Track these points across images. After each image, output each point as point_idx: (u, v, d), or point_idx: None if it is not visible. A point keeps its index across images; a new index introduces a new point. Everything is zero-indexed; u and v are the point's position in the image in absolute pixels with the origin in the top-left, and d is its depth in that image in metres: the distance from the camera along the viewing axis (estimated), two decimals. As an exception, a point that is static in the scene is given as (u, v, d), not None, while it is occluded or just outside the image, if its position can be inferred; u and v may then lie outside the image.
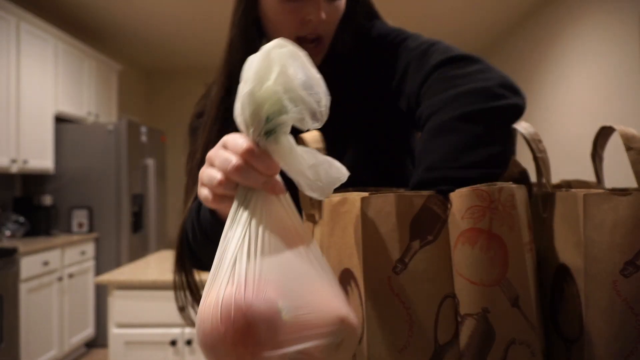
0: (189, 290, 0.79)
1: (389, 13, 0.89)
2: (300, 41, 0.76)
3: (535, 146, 0.57)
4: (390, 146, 0.85)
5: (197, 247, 0.74)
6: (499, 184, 0.51)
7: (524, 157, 0.67)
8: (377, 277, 0.50)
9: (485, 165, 0.57)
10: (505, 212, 0.50)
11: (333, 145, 0.61)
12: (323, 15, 0.73)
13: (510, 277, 0.50)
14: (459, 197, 0.51)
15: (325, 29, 0.77)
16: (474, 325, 0.50)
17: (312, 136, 0.56)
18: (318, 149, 0.53)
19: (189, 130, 0.88)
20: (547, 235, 0.56)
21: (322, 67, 0.62)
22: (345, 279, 0.54)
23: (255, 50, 0.46)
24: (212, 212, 0.65)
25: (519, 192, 0.51)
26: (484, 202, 0.50)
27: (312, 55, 0.68)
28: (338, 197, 0.54)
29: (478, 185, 0.51)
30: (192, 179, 0.79)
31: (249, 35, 0.78)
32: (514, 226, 0.50)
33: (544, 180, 0.57)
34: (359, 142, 0.82)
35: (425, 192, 0.52)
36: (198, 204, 0.72)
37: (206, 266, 0.76)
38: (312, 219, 0.59)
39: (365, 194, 0.52)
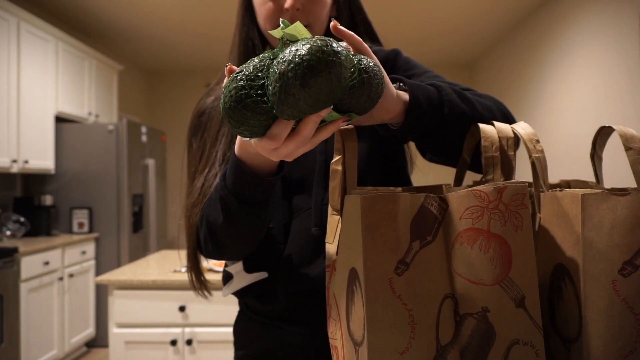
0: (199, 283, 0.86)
1: (390, 12, 0.89)
2: None
3: (532, 146, 0.57)
4: (390, 147, 0.85)
5: (231, 226, 0.70)
6: (502, 182, 0.51)
7: (522, 157, 0.67)
8: (379, 278, 0.50)
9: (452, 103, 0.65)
10: (509, 212, 0.50)
11: (333, 146, 0.61)
12: (289, 3, 0.76)
13: (513, 277, 0.50)
14: (457, 198, 0.51)
15: (304, 20, 0.79)
16: (473, 324, 0.50)
17: None
18: None
19: (190, 129, 0.88)
20: (544, 235, 0.56)
21: None
22: (351, 278, 0.53)
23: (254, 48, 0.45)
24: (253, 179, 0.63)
25: (527, 191, 0.51)
26: (482, 202, 0.50)
27: None
28: (352, 195, 0.53)
29: (477, 186, 0.51)
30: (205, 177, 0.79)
31: (248, 33, 0.86)
32: (520, 225, 0.50)
33: (540, 181, 0.57)
34: (359, 142, 0.82)
35: (422, 193, 0.52)
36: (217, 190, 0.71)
37: (234, 251, 0.75)
38: (339, 213, 0.59)
39: (367, 193, 0.51)
